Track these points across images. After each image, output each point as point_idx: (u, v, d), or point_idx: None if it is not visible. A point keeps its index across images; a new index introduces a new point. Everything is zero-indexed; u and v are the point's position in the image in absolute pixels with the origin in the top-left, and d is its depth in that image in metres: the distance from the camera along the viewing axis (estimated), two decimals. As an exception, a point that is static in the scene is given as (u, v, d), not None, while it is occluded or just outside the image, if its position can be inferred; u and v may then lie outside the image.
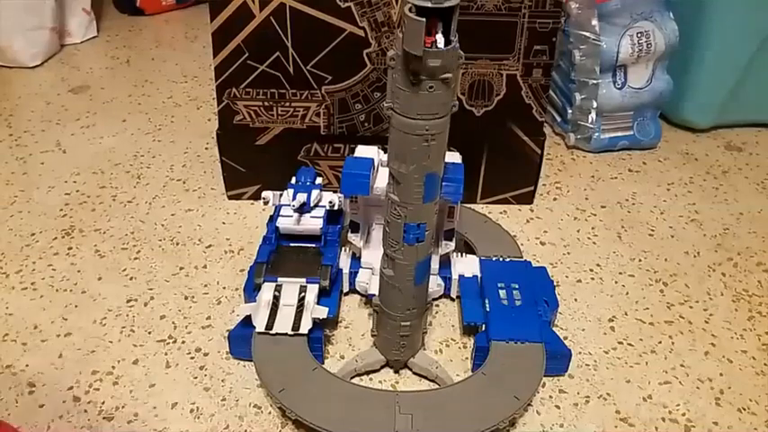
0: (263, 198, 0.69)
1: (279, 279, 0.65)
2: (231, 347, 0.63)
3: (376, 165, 0.66)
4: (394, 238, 0.55)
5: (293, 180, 0.71)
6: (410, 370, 0.63)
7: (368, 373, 0.63)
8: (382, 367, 0.63)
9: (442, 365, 0.62)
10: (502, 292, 0.67)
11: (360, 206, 0.67)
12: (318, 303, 0.63)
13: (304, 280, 0.65)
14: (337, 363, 0.64)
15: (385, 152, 0.69)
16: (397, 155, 0.51)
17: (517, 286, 0.67)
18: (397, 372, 0.63)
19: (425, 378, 0.62)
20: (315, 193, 0.69)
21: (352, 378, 0.62)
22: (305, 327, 0.61)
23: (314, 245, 0.69)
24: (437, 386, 0.61)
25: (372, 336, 0.64)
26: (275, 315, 0.62)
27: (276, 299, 0.63)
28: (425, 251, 0.56)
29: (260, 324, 0.61)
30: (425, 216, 0.54)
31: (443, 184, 0.62)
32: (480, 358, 0.61)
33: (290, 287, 0.64)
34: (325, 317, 0.62)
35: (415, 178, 0.51)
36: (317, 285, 0.64)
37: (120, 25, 1.43)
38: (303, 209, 0.68)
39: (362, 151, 0.67)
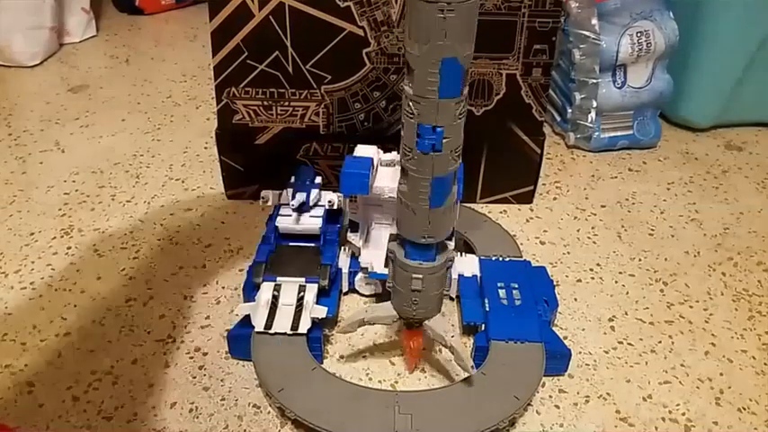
0: (263, 197, 0.69)
1: (278, 279, 0.65)
2: (230, 347, 0.63)
3: (375, 164, 0.66)
4: (407, 143, 0.48)
5: (292, 179, 0.71)
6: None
7: (376, 324, 0.60)
8: (395, 322, 0.60)
9: (457, 336, 0.58)
10: (501, 292, 0.66)
11: (359, 206, 0.67)
12: (317, 303, 0.63)
13: (303, 279, 0.65)
14: (336, 362, 0.64)
15: (385, 152, 0.70)
16: (411, 31, 0.43)
17: (517, 286, 0.67)
18: (408, 326, 0.60)
19: (440, 344, 0.59)
20: (314, 192, 0.69)
21: (359, 327, 0.60)
22: (304, 326, 0.61)
23: (313, 244, 0.69)
24: (436, 386, 0.61)
25: (387, 288, 0.60)
26: (274, 315, 0.62)
27: (275, 298, 0.63)
28: (443, 166, 0.48)
29: (259, 324, 0.61)
30: (443, 118, 0.45)
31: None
32: (480, 358, 0.61)
33: (289, 287, 0.64)
34: (324, 316, 0.62)
35: (431, 64, 0.43)
36: (316, 285, 0.64)
37: (119, 24, 1.43)
38: (302, 208, 0.68)
39: (362, 150, 0.67)
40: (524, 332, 0.62)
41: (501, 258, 0.72)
